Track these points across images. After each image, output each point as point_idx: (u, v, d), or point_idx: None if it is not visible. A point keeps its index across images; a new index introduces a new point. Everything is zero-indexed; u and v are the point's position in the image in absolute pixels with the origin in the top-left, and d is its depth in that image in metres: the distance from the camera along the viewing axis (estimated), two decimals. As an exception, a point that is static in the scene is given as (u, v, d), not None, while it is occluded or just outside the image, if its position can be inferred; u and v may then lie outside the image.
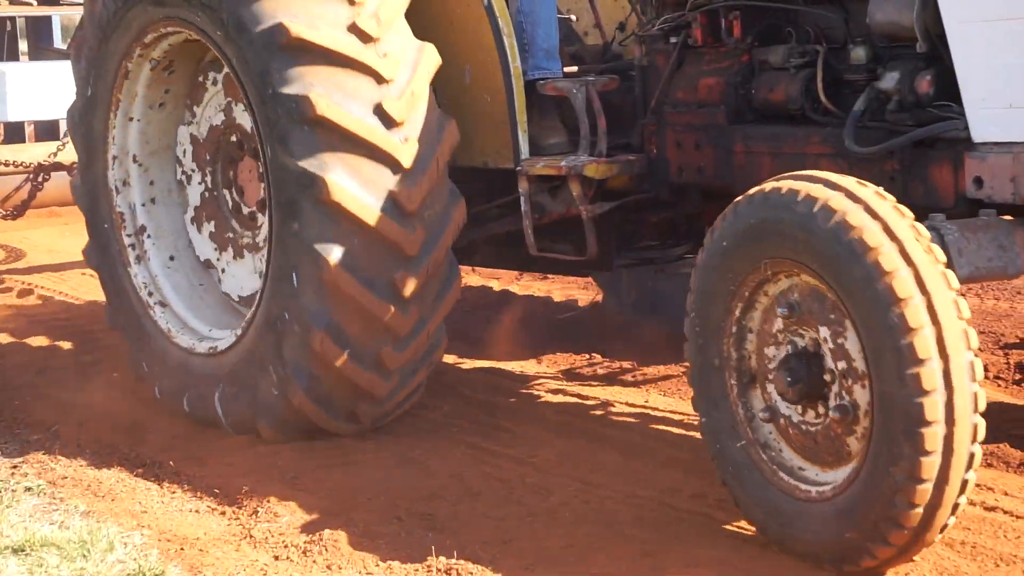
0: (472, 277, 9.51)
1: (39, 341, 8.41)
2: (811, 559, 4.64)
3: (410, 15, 6.11)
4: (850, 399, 4.49)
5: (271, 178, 5.96)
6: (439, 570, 4.83)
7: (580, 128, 6.06)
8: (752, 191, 4.68)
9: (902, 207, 4.42)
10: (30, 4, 11.38)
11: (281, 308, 5.99)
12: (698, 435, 5.79)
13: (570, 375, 7.28)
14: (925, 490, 4.28)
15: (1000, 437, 5.63)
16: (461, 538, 5.09)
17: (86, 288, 9.90)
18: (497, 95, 6.18)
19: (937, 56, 4.96)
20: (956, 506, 4.37)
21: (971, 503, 5.00)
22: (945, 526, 4.40)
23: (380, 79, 5.87)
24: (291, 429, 6.16)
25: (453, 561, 4.86)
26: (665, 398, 6.80)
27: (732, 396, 4.84)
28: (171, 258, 6.97)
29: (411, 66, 5.96)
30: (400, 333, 6.01)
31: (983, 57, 4.77)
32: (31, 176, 10.41)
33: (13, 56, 12.15)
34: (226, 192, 6.78)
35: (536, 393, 6.94)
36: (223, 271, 6.88)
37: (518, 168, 6.16)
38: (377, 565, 4.90)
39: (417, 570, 4.85)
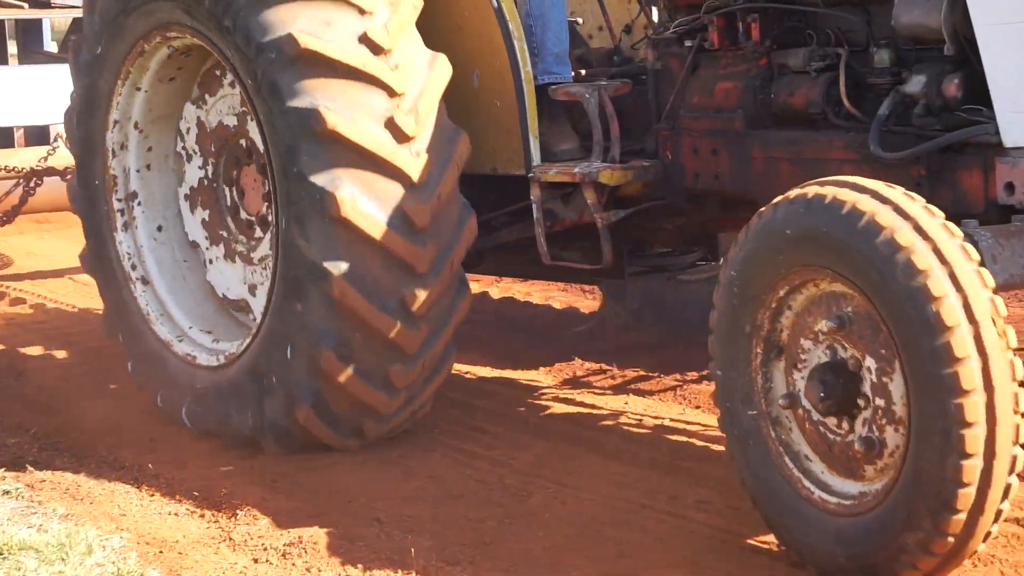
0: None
1: (18, 344, 8.33)
2: (798, 556, 4.63)
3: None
4: (879, 436, 4.40)
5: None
6: (418, 572, 4.83)
7: (593, 134, 5.94)
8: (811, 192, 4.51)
9: (951, 225, 4.29)
10: (21, 7, 11.22)
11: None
12: (676, 437, 6.06)
13: (548, 378, 7.24)
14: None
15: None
16: (440, 540, 5.10)
17: (64, 291, 9.86)
18: (507, 100, 6.06)
19: (965, 59, 4.85)
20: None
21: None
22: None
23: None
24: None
25: (432, 563, 4.87)
26: (644, 400, 6.77)
27: (755, 364, 4.71)
28: (159, 228, 6.84)
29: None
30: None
31: (1015, 60, 4.65)
32: (22, 181, 10.25)
33: (2, 60, 11.98)
34: (227, 189, 6.64)
35: (515, 396, 6.92)
36: (211, 261, 6.76)
37: (530, 175, 6.03)
38: (356, 567, 4.90)
39: (396, 572, 4.84)
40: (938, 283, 4.15)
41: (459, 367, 7.34)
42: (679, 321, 7.43)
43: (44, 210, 11.03)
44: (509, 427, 6.40)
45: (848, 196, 4.36)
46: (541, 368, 7.38)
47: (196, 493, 5.69)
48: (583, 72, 6.42)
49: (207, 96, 6.60)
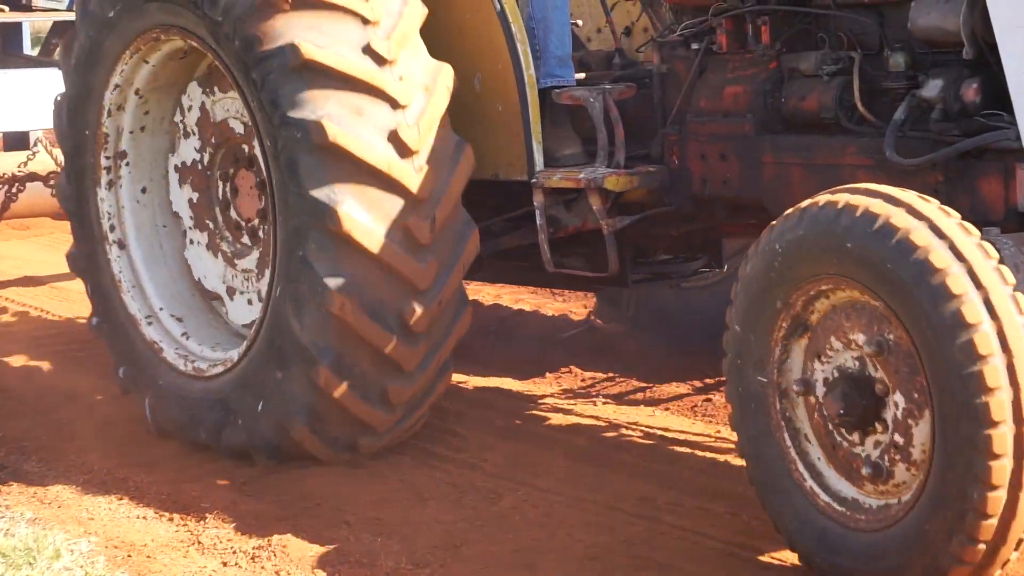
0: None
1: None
2: (776, 527, 4.62)
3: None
4: (888, 467, 4.34)
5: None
6: (387, 575, 4.85)
7: (597, 138, 5.83)
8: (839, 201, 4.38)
9: (989, 247, 4.19)
10: (2, 9, 11.06)
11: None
12: (646, 440, 6.12)
13: (518, 380, 7.20)
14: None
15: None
16: (410, 543, 5.11)
17: (32, 295, 9.76)
18: (509, 104, 5.95)
19: (984, 63, 4.77)
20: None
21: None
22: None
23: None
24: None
25: (402, 566, 4.89)
26: (615, 405, 6.76)
27: (776, 335, 4.58)
28: (143, 190, 6.67)
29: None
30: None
31: (1037, 64, 4.57)
32: (4, 187, 10.09)
33: (-20, 64, 11.82)
34: (221, 183, 6.50)
35: (485, 398, 6.91)
36: (192, 241, 6.64)
37: (533, 180, 5.92)
38: (326, 570, 4.93)
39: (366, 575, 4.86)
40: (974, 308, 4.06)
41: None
42: (679, 329, 7.34)
43: (24, 215, 10.89)
44: (479, 430, 6.38)
45: (880, 207, 4.26)
46: (511, 371, 7.34)
47: (164, 496, 5.68)
48: (583, 75, 6.32)
49: (216, 88, 6.40)
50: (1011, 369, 4.02)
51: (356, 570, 4.89)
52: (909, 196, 4.29)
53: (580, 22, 7.02)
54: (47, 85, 10.10)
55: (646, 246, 6.35)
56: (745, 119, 5.48)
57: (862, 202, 4.29)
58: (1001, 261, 4.19)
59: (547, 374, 7.26)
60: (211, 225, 6.56)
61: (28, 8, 11.36)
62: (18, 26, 11.77)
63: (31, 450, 6.33)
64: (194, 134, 6.56)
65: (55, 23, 11.69)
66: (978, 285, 4.08)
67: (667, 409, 6.64)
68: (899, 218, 4.20)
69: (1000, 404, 4.00)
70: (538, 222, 5.93)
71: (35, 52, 12.13)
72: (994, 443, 3.99)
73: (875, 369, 4.36)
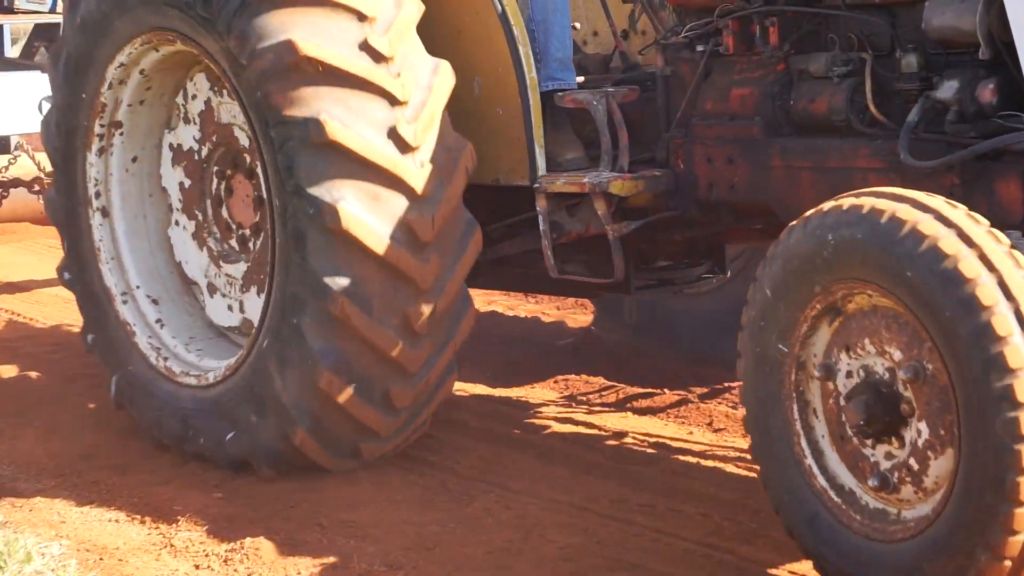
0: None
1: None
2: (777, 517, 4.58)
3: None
4: (896, 483, 4.27)
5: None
6: None
7: (601, 142, 5.73)
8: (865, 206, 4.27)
9: (1017, 254, 4.09)
10: (-16, 12, 10.97)
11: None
12: (618, 441, 6.15)
13: (492, 382, 7.18)
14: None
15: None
16: (383, 545, 5.13)
17: (6, 300, 9.57)
18: (510, 108, 5.85)
19: (1001, 63, 4.68)
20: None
21: None
22: None
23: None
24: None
25: (375, 568, 4.91)
26: (588, 406, 6.77)
27: (807, 312, 4.44)
28: (133, 159, 6.54)
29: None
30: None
31: (1056, 64, 4.50)
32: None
33: (-40, 68, 11.67)
34: (216, 179, 6.38)
35: (458, 400, 6.82)
36: (177, 223, 6.53)
37: (535, 185, 5.82)
38: (299, 573, 4.95)
39: (339, 577, 4.88)
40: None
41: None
42: (681, 335, 7.26)
43: (7, 220, 10.77)
44: (452, 431, 6.35)
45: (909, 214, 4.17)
46: (486, 372, 7.31)
47: (136, 499, 5.68)
48: (581, 79, 6.22)
49: (224, 90, 6.25)
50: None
51: (329, 572, 4.91)
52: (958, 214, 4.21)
53: (578, 25, 6.93)
54: (28, 89, 9.99)
55: (649, 252, 6.26)
56: (753, 122, 5.39)
57: (925, 227, 4.17)
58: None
59: (521, 377, 7.23)
60: (200, 216, 6.45)
61: (10, 10, 11.26)
62: (-1, 28, 11.67)
63: (2, 453, 6.28)
64: (195, 123, 6.42)
65: (37, 25, 11.56)
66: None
67: (640, 412, 6.63)
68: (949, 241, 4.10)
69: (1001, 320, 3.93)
70: (541, 227, 5.83)
71: (17, 54, 12.02)
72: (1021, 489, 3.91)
73: (905, 389, 4.25)
